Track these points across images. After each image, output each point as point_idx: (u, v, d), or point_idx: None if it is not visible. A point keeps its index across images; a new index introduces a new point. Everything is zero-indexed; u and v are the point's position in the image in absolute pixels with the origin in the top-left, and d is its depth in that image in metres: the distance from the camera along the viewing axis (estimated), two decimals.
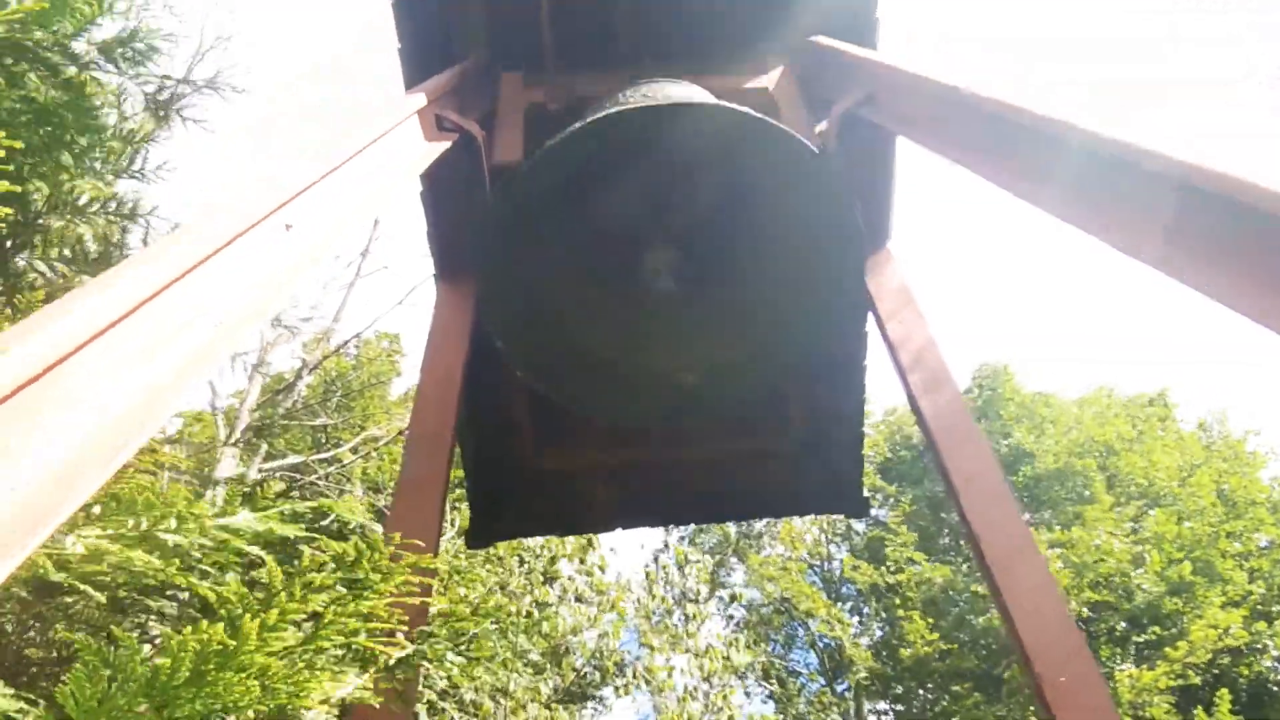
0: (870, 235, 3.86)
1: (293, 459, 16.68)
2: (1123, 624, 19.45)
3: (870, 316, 3.98)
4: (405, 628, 2.67)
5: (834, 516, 29.03)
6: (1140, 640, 18.81)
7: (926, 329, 3.67)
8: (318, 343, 17.91)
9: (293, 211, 2.03)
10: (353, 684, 2.44)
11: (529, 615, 14.38)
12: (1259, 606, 18.16)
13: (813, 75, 3.83)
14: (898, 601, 25.25)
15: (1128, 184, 1.81)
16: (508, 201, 3.09)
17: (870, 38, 3.91)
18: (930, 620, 23.44)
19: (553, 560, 15.25)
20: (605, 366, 3.57)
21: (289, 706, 2.29)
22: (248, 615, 1.91)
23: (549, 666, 14.73)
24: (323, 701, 2.36)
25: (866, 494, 5.16)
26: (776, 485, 5.06)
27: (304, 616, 2.23)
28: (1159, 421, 26.12)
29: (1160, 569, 18.90)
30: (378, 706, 2.50)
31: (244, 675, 1.90)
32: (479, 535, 5.05)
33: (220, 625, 1.98)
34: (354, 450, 16.65)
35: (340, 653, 2.48)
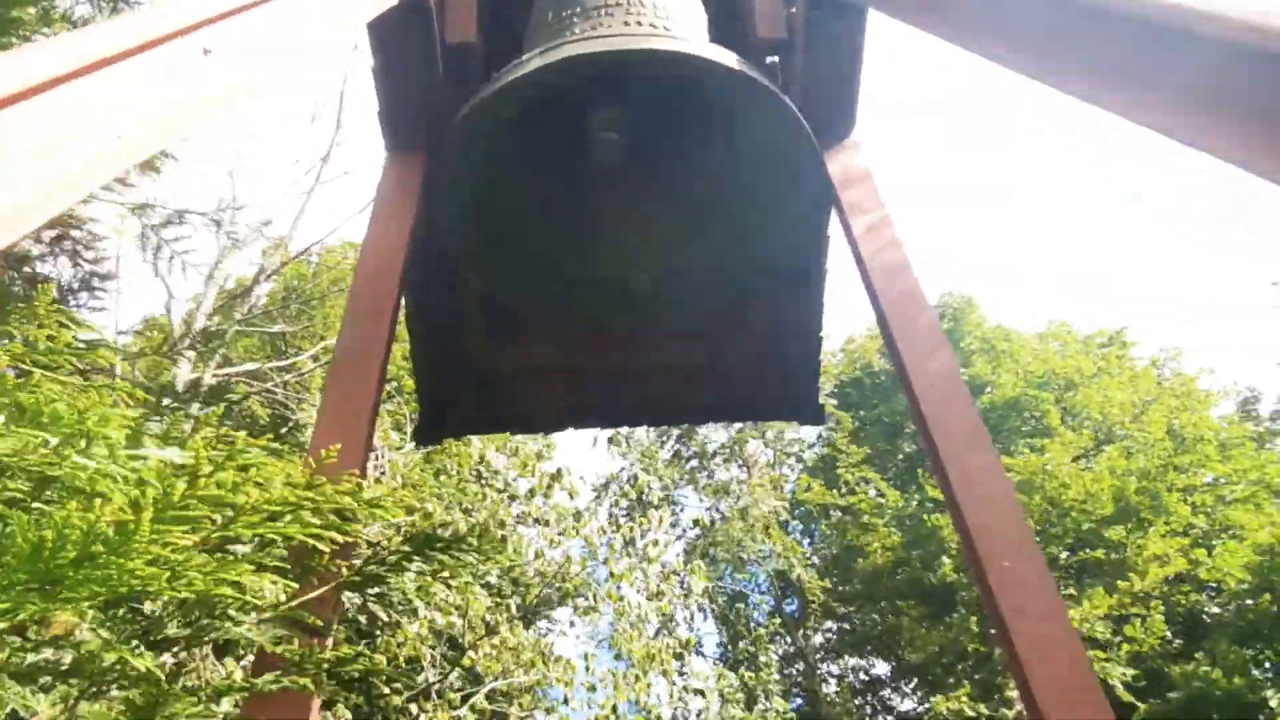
0: (838, 123, 3.75)
1: (250, 366, 16.46)
2: (1065, 553, 19.93)
3: (834, 214, 3.87)
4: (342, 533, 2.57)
5: (788, 439, 29.35)
6: (1084, 559, 19.32)
7: (890, 223, 3.56)
8: (276, 249, 17.58)
9: (213, 35, 1.89)
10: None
11: (485, 534, 14.40)
12: (1200, 540, 18.65)
13: None
14: (849, 521, 25.72)
15: (1107, 30, 1.70)
16: (464, 129, 2.99)
17: None
18: (889, 531, 23.93)
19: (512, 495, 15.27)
20: (556, 266, 3.48)
21: (210, 599, 2.19)
22: (148, 495, 1.79)
23: (509, 589, 14.82)
24: (249, 602, 2.27)
25: (824, 411, 5.11)
26: (732, 391, 5.00)
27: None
28: (1116, 359, 26.52)
29: (1108, 495, 19.35)
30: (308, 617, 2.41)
31: (143, 561, 1.78)
32: (428, 432, 4.95)
33: (112, 505, 1.87)
34: (314, 359, 16.44)
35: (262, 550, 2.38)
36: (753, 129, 3.17)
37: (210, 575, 2.04)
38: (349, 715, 10.47)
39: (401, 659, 11.77)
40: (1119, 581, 17.74)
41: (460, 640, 12.59)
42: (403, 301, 3.64)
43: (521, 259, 3.51)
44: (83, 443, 2.64)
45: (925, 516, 23.13)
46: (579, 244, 3.57)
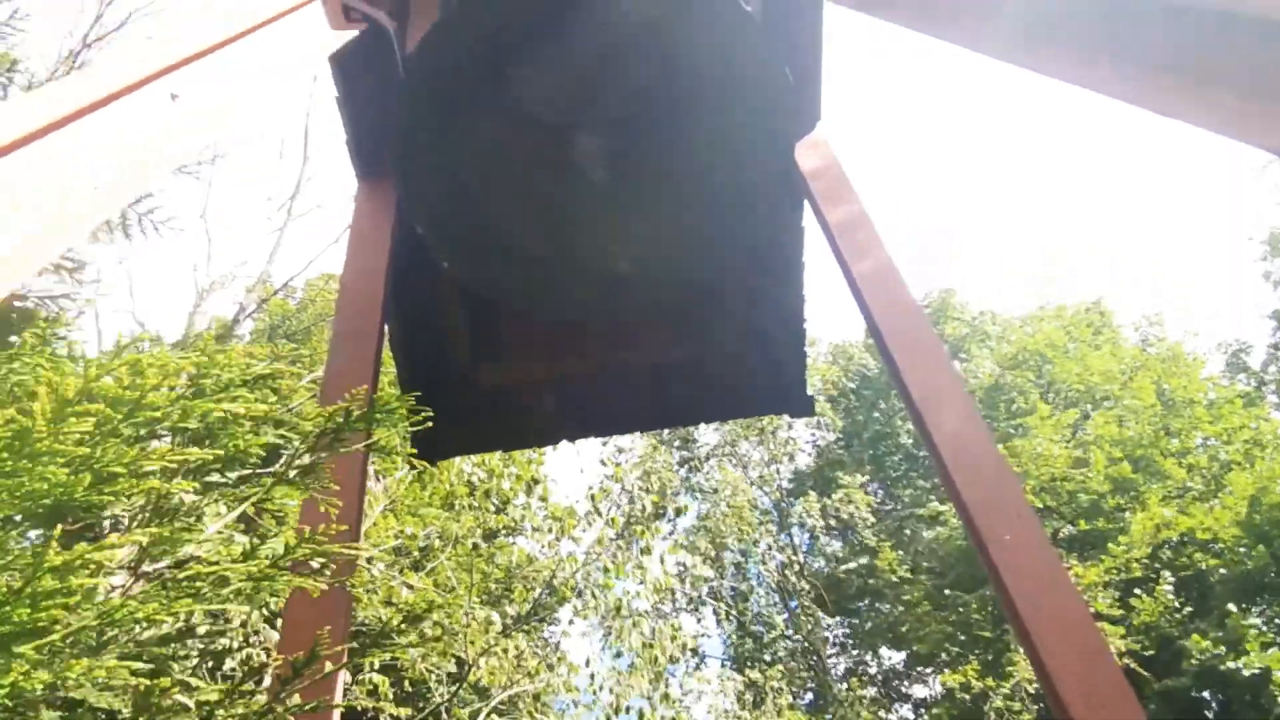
0: (799, 117, 3.78)
1: None
2: (1067, 527, 19.98)
3: (807, 206, 3.90)
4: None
5: (779, 437, 29.39)
6: (1085, 529, 19.36)
7: (865, 214, 3.60)
8: (255, 287, 17.54)
9: (179, 80, 1.91)
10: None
11: (481, 544, 14.37)
12: (1196, 500, 18.70)
13: None
14: (846, 529, 25.84)
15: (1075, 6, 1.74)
16: (425, 70, 2.96)
17: None
18: (891, 545, 24.02)
19: (505, 501, 15.22)
20: (535, 255, 3.47)
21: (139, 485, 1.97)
22: (41, 394, 1.63)
23: (504, 597, 14.78)
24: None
25: (813, 402, 5.14)
26: (720, 388, 5.02)
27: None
28: (1095, 331, 26.62)
29: (1102, 469, 19.40)
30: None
31: (56, 462, 1.65)
32: (418, 455, 4.96)
33: (7, 411, 1.72)
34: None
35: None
36: (728, 78, 3.13)
37: (131, 465, 1.84)
38: None
39: (408, 682, 11.75)
40: (1110, 544, 17.74)
41: (464, 656, 12.55)
42: (386, 328, 3.66)
43: (502, 248, 3.48)
44: None
45: (918, 510, 23.32)
46: (559, 230, 3.54)
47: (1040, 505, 19.64)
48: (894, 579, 23.68)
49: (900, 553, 24.24)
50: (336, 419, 2.36)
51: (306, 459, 2.35)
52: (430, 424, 4.87)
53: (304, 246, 23.13)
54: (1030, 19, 1.86)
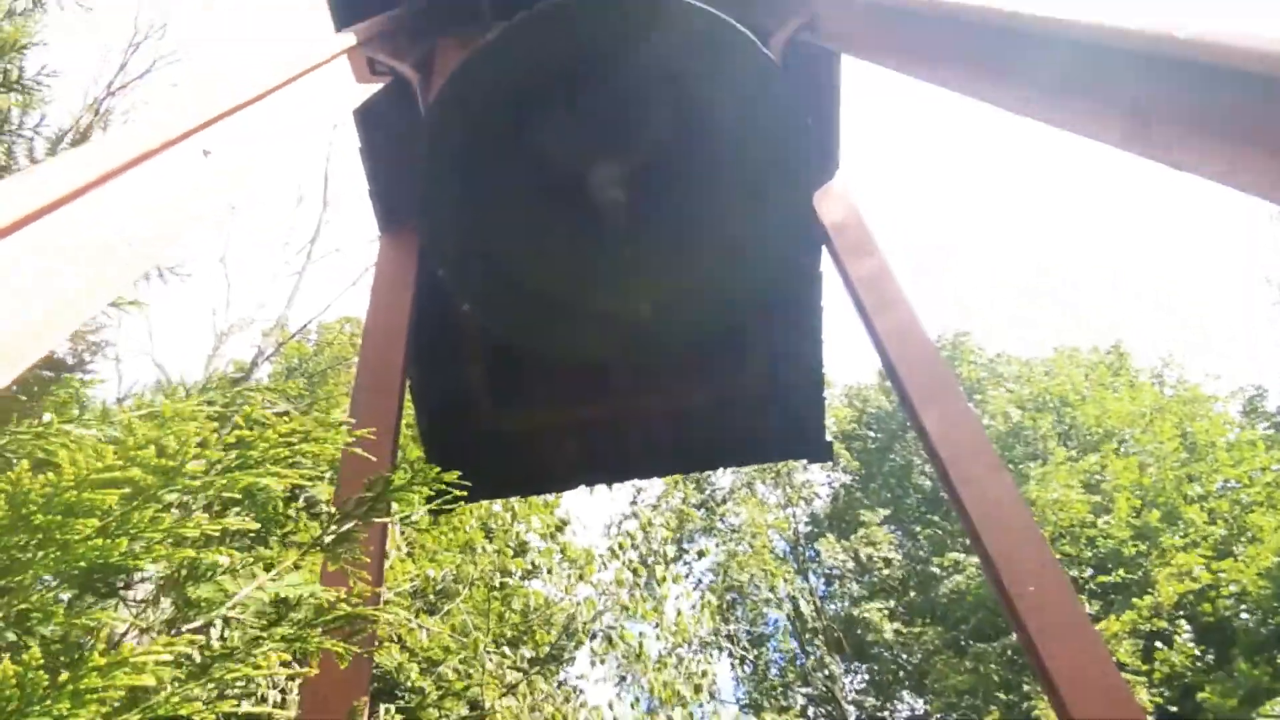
0: (819, 166, 3.80)
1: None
2: (1089, 570, 19.72)
3: (825, 252, 3.92)
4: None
5: (795, 480, 29.26)
6: (1105, 582, 19.09)
7: (883, 262, 3.61)
8: (273, 330, 17.66)
9: (211, 137, 1.94)
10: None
11: (497, 589, 14.29)
12: (1220, 546, 18.44)
13: (752, 6, 3.75)
14: (863, 574, 25.60)
15: (1086, 65, 1.75)
16: (445, 119, 2.99)
17: None
18: (900, 594, 23.75)
19: (522, 545, 15.18)
20: (555, 299, 3.48)
21: (174, 553, 1.98)
22: (63, 451, 1.65)
23: (522, 639, 14.66)
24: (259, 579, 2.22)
25: (832, 448, 5.12)
26: (738, 433, 5.01)
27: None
28: (1114, 373, 26.45)
29: (1124, 516, 19.17)
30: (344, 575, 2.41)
31: (76, 517, 1.65)
32: (438, 502, 4.95)
33: (45, 476, 1.72)
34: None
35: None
36: (750, 127, 3.15)
37: (169, 534, 1.85)
38: None
39: None
40: (1134, 600, 17.49)
41: (481, 700, 12.44)
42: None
43: (523, 292, 3.48)
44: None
45: (938, 557, 23.03)
46: (579, 275, 3.54)
47: (1060, 555, 19.39)
48: (913, 627, 23.40)
49: (920, 598, 23.97)
50: (368, 491, 2.38)
51: (342, 527, 2.37)
52: (450, 471, 4.90)
53: (322, 290, 23.30)
54: (1059, 76, 1.88)
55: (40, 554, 1.61)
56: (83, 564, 1.65)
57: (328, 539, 2.32)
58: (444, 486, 2.48)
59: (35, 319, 1.29)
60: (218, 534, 1.95)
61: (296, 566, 2.43)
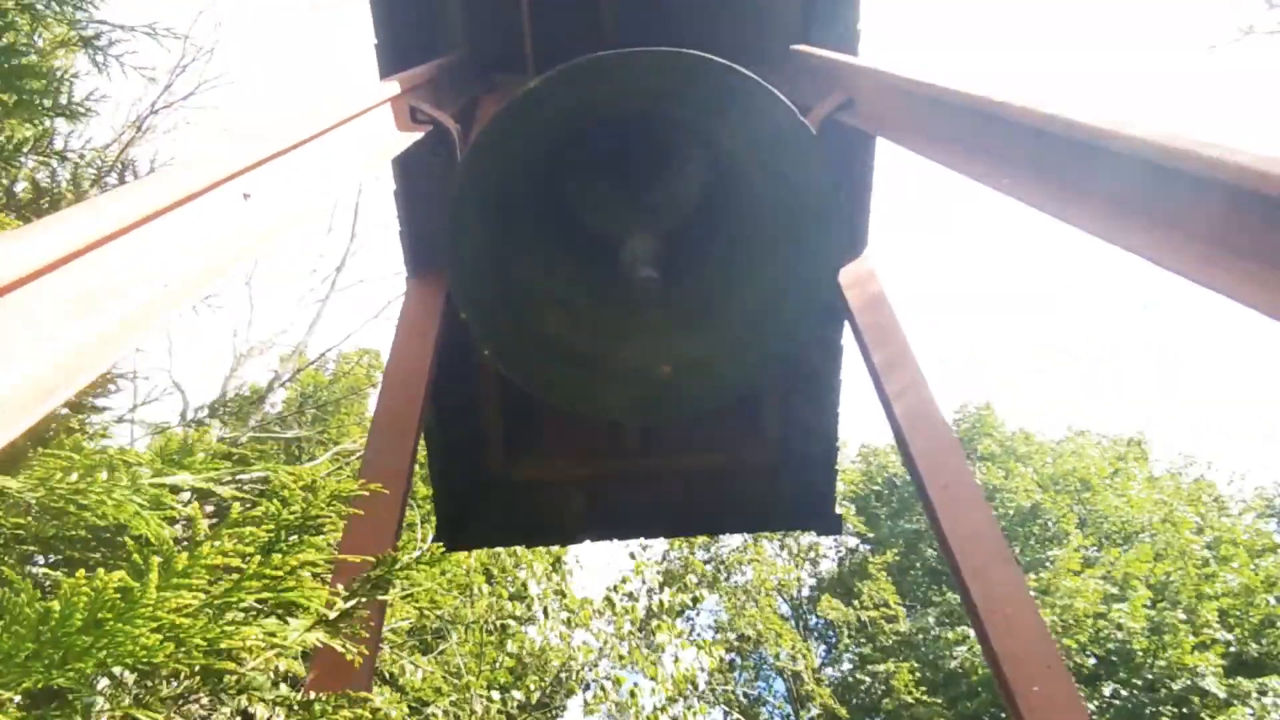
0: (847, 242, 3.83)
1: (262, 472, 16.43)
2: (1091, 660, 19.40)
3: (847, 327, 3.93)
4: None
5: (801, 543, 29.03)
6: (1115, 681, 18.74)
7: (905, 341, 3.61)
8: (291, 357, 17.77)
9: (252, 181, 1.97)
10: (294, 634, 2.30)
11: (496, 631, 14.19)
12: (1232, 649, 18.12)
13: (792, 82, 3.80)
14: (865, 640, 25.20)
15: (1122, 175, 1.76)
16: (481, 164, 3.02)
17: (852, 46, 3.88)
18: (907, 665, 23.41)
19: (522, 587, 15.09)
20: (576, 353, 3.49)
21: (208, 662, 2.12)
22: (153, 561, 1.77)
23: (515, 683, 14.51)
24: (268, 653, 2.24)
25: (842, 521, 5.10)
26: (748, 500, 5.00)
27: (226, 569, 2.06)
28: (1134, 463, 26.25)
29: (1140, 612, 18.87)
30: (340, 649, 2.39)
31: (149, 627, 1.75)
32: (445, 543, 4.96)
33: (119, 573, 1.85)
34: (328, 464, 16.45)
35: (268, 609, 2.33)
36: (782, 194, 3.16)
37: (212, 644, 1.98)
38: None
39: None
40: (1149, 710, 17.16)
41: None
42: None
43: (545, 346, 3.49)
44: (104, 474, 2.62)
45: (943, 633, 22.68)
46: (602, 332, 3.56)
47: (1073, 644, 19.08)
48: (915, 698, 23.02)
49: (925, 672, 23.60)
50: (377, 571, 2.41)
51: (348, 604, 2.39)
52: (457, 513, 4.91)
53: (343, 320, 23.46)
54: (1044, 167, 1.89)
55: (101, 652, 1.67)
56: (128, 661, 1.70)
57: (332, 615, 2.34)
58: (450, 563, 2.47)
59: (67, 359, 1.31)
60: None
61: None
